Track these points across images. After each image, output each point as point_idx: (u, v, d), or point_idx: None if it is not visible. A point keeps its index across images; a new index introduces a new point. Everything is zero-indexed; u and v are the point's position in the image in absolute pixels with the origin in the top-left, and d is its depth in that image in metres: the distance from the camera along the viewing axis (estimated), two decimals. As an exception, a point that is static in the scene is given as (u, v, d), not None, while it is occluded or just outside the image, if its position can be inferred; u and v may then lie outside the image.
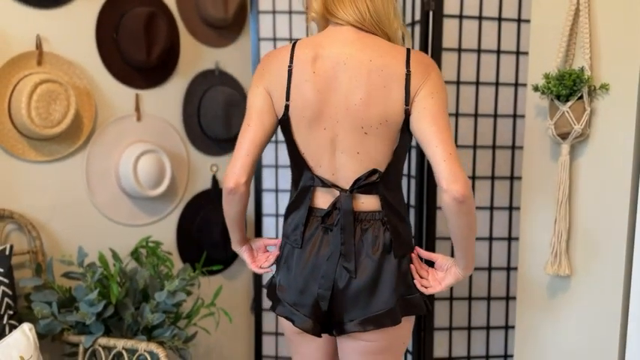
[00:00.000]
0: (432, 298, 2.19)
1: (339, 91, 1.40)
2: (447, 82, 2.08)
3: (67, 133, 2.13)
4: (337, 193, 1.46)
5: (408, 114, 1.39)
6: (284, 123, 1.46)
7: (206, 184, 2.54)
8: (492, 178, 2.22)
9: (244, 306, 2.67)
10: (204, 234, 2.49)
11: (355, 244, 1.45)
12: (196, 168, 2.52)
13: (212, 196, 2.52)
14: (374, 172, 1.45)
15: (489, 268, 2.27)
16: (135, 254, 2.16)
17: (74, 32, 2.16)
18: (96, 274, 1.90)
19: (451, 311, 2.27)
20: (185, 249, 2.49)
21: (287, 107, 1.43)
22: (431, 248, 2.17)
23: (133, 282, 2.03)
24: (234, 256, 2.53)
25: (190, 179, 2.51)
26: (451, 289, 2.24)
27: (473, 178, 2.20)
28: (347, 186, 1.46)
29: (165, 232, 2.43)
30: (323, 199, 1.49)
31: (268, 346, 2.51)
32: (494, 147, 2.22)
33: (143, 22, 2.20)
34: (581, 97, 1.65)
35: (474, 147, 2.20)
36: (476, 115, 2.18)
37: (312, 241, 1.48)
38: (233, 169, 1.45)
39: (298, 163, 1.49)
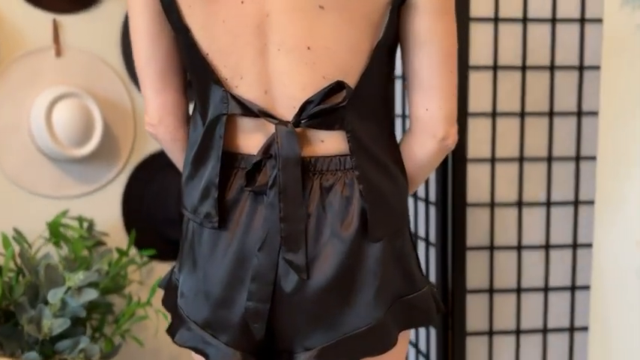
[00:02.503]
0: (460, 290, 1.52)
1: None
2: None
3: (-49, 73, 1.55)
4: (272, 127, 0.82)
5: None
6: (165, 1, 0.83)
7: (162, 142, 1.93)
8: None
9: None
10: (157, 208, 1.89)
11: (310, 216, 0.83)
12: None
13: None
14: (338, 86, 0.81)
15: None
16: (54, 233, 1.59)
17: None
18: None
19: (491, 309, 1.60)
20: (134, 228, 1.89)
21: None
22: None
23: (37, 273, 1.45)
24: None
25: (139, 135, 1.90)
26: (491, 276, 1.56)
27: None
28: (289, 114, 0.83)
29: (105, 205, 1.84)
30: (249, 140, 0.87)
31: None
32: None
33: None
34: None
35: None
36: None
37: (235, 215, 0.86)
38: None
39: (200, 74, 0.86)
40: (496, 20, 1.46)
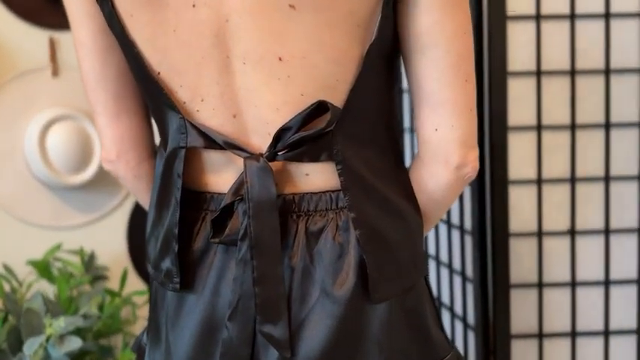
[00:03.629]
0: (503, 334, 1.30)
1: None
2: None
3: (-62, 96, 1.44)
4: (241, 161, 0.65)
5: None
6: (106, 10, 0.65)
7: (170, 166, 1.79)
8: (607, 126, 1.29)
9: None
10: (165, 237, 1.73)
11: (293, 271, 0.65)
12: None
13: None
14: (321, 107, 0.62)
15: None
16: (40, 271, 1.44)
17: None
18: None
19: (541, 357, 1.36)
20: (141, 260, 1.74)
21: None
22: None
23: (20, 316, 1.30)
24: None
25: (145, 159, 1.75)
26: (540, 318, 1.33)
27: (572, 127, 1.29)
28: (265, 142, 0.65)
29: (109, 236, 1.70)
30: (219, 176, 0.69)
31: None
32: (607, 71, 1.28)
33: None
34: None
35: (572, 72, 1.28)
36: (572, 17, 1.26)
37: (202, 271, 0.68)
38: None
39: (153, 98, 0.69)
40: (538, 18, 1.25)
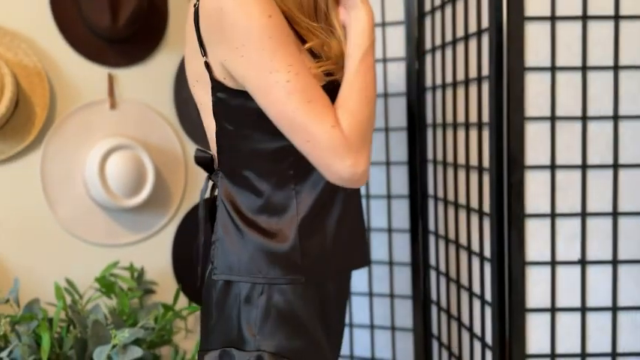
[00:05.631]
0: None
1: None
2: (533, 19, 1.34)
3: (12, 127, 1.62)
4: None
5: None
6: None
7: (212, 190, 1.94)
8: (615, 166, 1.42)
9: None
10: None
11: None
12: (198, 168, 1.92)
13: (219, 204, 1.91)
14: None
15: (614, 308, 1.46)
16: (104, 286, 1.60)
17: (18, -6, 1.65)
18: (17, 317, 1.34)
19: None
20: (184, 276, 1.89)
21: None
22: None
23: (86, 327, 1.46)
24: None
25: (189, 183, 1.91)
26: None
27: (583, 167, 1.41)
28: None
29: (156, 253, 1.86)
30: None
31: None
32: (615, 117, 1.41)
33: (104, -26, 1.64)
34: None
35: (583, 118, 1.40)
36: (584, 68, 1.39)
37: None
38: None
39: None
40: (553, 69, 1.38)
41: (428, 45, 1.75)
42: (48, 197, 1.70)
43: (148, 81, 1.83)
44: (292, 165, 0.92)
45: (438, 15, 1.67)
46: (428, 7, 1.73)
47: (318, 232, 0.96)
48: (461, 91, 1.57)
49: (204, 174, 1.88)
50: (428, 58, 1.75)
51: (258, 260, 0.91)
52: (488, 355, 1.52)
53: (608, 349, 1.45)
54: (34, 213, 1.69)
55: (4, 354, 1.29)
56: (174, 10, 1.85)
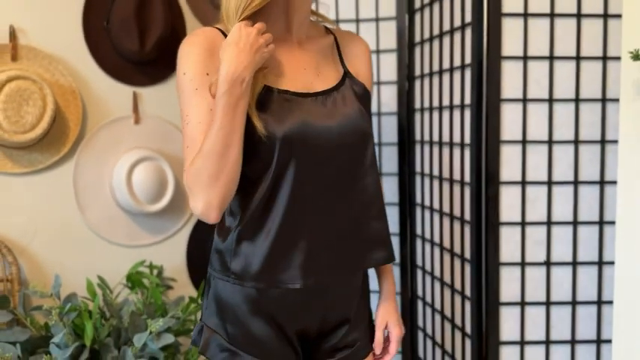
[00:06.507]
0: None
1: None
2: (509, 58, 1.59)
3: (49, 140, 1.81)
4: None
5: None
6: None
7: (222, 196, 2.16)
8: (575, 182, 1.68)
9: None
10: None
11: None
12: (210, 177, 2.13)
13: (229, 210, 2.12)
14: None
15: (573, 302, 1.72)
16: (130, 282, 1.81)
17: (56, 21, 1.84)
18: (65, 308, 1.54)
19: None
20: (196, 274, 2.11)
21: None
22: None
23: (120, 318, 1.67)
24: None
25: (202, 191, 2.13)
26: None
27: (549, 183, 1.67)
28: None
29: (172, 253, 2.07)
30: None
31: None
32: (576, 142, 1.67)
33: (134, 5, 1.85)
34: None
35: (550, 142, 1.66)
36: (550, 100, 1.65)
37: None
38: None
39: None
40: (525, 101, 1.62)
41: (417, 71, 1.99)
42: (79, 203, 1.90)
43: (168, 98, 2.04)
44: (246, 179, 1.09)
45: (426, 46, 1.91)
46: (418, 38, 1.97)
47: (251, 242, 1.09)
48: (446, 115, 1.81)
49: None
50: (417, 83, 1.99)
51: (213, 255, 1.18)
52: (468, 343, 1.77)
53: (568, 337, 1.71)
54: (66, 216, 1.89)
55: (56, 339, 1.49)
56: (191, 35, 2.06)
